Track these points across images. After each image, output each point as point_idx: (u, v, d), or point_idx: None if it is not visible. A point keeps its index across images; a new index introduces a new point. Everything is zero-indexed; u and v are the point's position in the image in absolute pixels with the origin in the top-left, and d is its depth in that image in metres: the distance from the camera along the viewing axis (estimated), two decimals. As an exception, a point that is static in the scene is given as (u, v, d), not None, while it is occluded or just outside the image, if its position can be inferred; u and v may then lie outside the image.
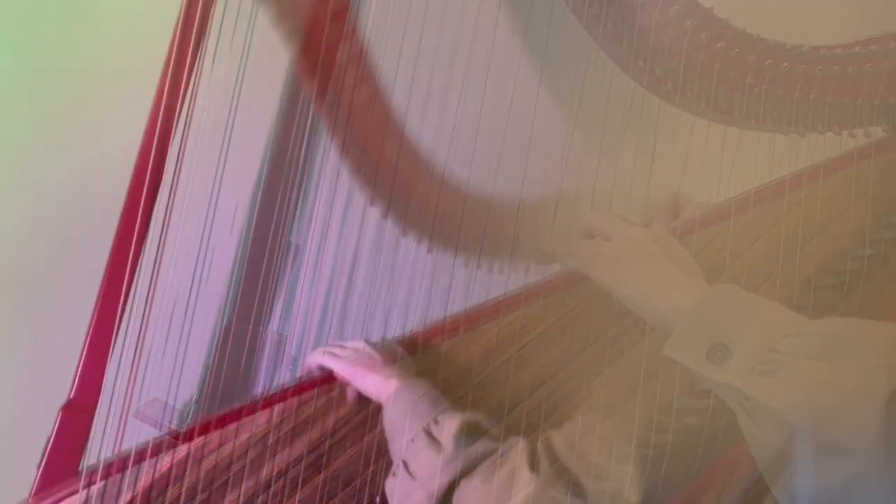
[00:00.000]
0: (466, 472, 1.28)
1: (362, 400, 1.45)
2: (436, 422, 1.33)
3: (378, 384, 1.41)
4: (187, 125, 1.40)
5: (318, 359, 1.47)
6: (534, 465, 1.25)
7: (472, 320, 1.50)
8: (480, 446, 1.30)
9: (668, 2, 1.25)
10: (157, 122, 1.40)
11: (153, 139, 1.40)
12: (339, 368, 1.45)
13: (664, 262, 1.20)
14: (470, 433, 1.32)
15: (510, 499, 1.24)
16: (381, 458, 1.42)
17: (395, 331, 1.53)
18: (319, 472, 1.45)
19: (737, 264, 1.30)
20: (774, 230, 1.29)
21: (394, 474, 1.33)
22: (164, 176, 1.41)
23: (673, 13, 1.25)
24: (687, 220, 1.35)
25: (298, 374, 1.47)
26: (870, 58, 1.23)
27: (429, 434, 1.32)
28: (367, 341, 1.48)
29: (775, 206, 1.30)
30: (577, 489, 1.23)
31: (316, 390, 1.47)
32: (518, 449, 1.29)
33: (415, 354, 1.48)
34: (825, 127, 1.27)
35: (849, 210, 1.28)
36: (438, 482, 1.27)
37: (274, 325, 1.61)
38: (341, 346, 1.48)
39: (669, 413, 1.29)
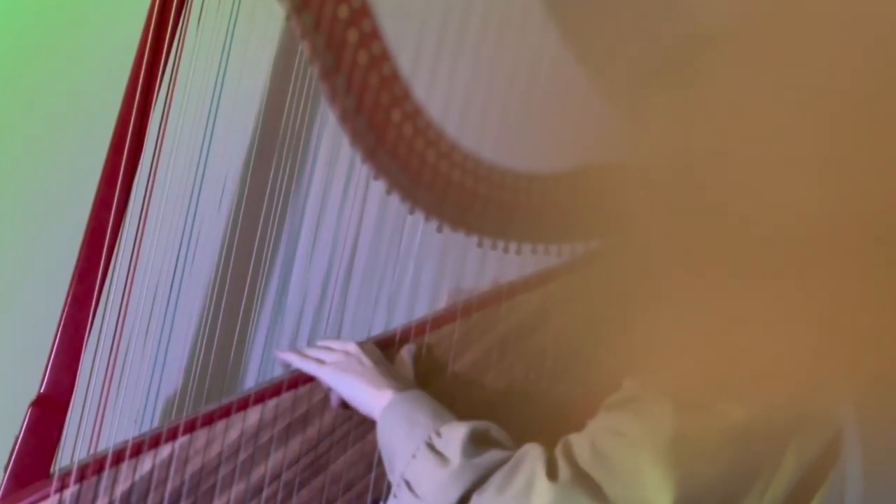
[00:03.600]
0: (478, 484, 1.24)
1: (348, 407, 1.43)
2: (438, 434, 1.29)
3: (369, 396, 1.37)
4: (170, 89, 1.38)
5: (296, 361, 1.44)
6: (552, 473, 1.21)
7: (485, 303, 1.48)
8: (491, 456, 1.26)
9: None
10: (136, 85, 1.39)
11: (132, 105, 1.39)
12: (325, 376, 1.41)
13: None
14: (478, 442, 1.28)
15: None
16: (386, 460, 1.38)
17: (400, 318, 1.52)
18: (317, 475, 1.42)
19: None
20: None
21: (395, 496, 1.29)
22: (144, 146, 1.39)
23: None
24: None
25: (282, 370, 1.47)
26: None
27: (431, 448, 1.28)
28: (359, 343, 1.44)
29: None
30: (600, 497, 1.20)
31: (313, 384, 1.44)
32: (533, 456, 1.24)
33: (413, 353, 1.47)
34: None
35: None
36: (445, 498, 1.24)
37: (267, 312, 1.59)
38: (328, 349, 1.44)
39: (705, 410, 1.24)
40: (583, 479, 1.20)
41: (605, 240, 1.46)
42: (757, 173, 1.24)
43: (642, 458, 1.20)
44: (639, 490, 1.19)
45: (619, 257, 1.39)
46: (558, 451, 1.24)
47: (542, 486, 1.20)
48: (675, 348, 1.25)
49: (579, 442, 1.24)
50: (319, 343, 1.46)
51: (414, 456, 1.28)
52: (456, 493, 1.23)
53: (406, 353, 1.45)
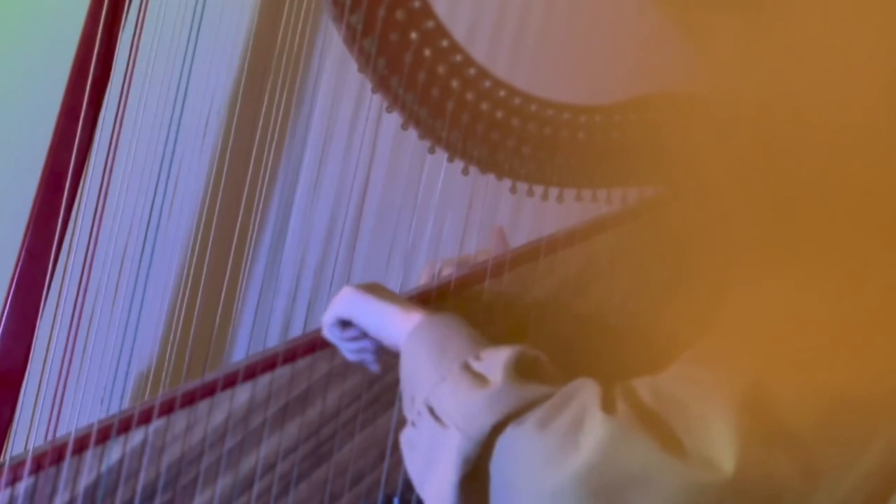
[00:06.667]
0: (517, 413, 1.15)
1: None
2: (477, 357, 1.21)
3: (394, 319, 1.29)
4: (143, 2, 1.34)
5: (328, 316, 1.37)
6: (608, 407, 1.13)
7: (519, 260, 1.43)
8: (538, 388, 1.17)
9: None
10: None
11: (98, 22, 1.34)
12: (341, 303, 1.34)
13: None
14: (525, 369, 1.19)
15: (575, 451, 1.11)
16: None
17: (417, 278, 1.49)
18: (319, 466, 1.39)
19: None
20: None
21: (413, 424, 1.22)
22: (111, 72, 1.36)
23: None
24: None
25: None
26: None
27: (468, 370, 1.20)
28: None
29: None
30: (669, 440, 1.11)
31: (314, 356, 1.41)
32: (587, 390, 1.16)
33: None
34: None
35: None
36: (479, 422, 1.14)
37: (259, 271, 1.59)
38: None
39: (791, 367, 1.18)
40: (648, 417, 1.13)
41: (664, 185, 1.42)
42: (844, 119, 1.22)
43: (713, 409, 1.12)
44: (706, 443, 1.11)
45: (680, 206, 1.38)
46: (617, 391, 1.17)
47: (596, 420, 1.11)
48: (747, 316, 1.21)
49: (642, 384, 1.17)
50: None
51: (444, 378, 1.20)
52: (490, 418, 1.14)
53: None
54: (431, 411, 1.20)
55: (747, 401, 1.13)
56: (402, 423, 1.33)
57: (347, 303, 1.34)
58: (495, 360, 1.20)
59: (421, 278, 1.48)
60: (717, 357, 1.19)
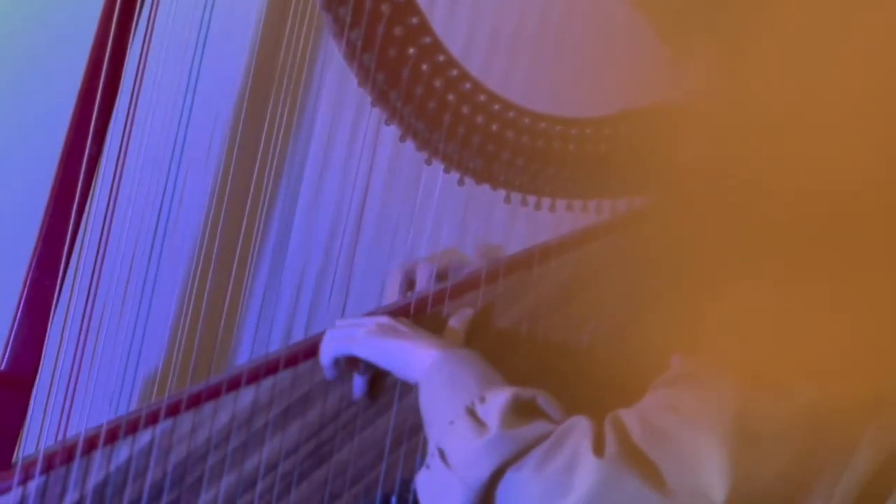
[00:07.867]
0: (515, 458, 1.19)
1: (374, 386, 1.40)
2: (482, 400, 1.24)
3: (411, 356, 1.32)
4: (151, 19, 1.34)
5: (333, 348, 1.38)
6: (599, 449, 1.17)
7: (514, 267, 1.42)
8: (534, 428, 1.21)
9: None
10: (112, 13, 1.35)
11: (106, 38, 1.34)
12: (358, 348, 1.36)
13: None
14: (521, 412, 1.22)
15: (569, 492, 1.16)
16: (398, 448, 1.37)
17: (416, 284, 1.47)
18: (320, 465, 1.39)
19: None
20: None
21: (427, 467, 1.24)
22: (119, 86, 1.35)
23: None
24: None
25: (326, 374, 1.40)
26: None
27: (472, 415, 1.23)
28: (392, 317, 1.40)
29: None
30: (654, 478, 1.15)
31: (315, 360, 1.39)
32: (580, 430, 1.19)
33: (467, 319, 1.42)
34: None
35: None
36: (477, 471, 1.18)
37: (262, 277, 1.57)
38: (357, 325, 1.39)
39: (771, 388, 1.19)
40: (635, 456, 1.16)
41: (652, 196, 1.41)
42: (821, 133, 1.23)
43: (701, 439, 1.16)
44: (695, 474, 1.15)
45: (667, 216, 1.35)
46: (607, 425, 1.20)
47: (588, 465, 1.15)
48: (733, 322, 1.22)
49: (630, 416, 1.20)
50: (340, 323, 1.41)
51: (452, 422, 1.23)
52: (489, 467, 1.18)
53: (456, 321, 1.40)
54: (442, 455, 1.23)
55: (734, 431, 1.16)
56: (400, 423, 1.37)
57: (364, 347, 1.36)
58: (494, 405, 1.23)
59: (389, 286, 1.45)
60: (701, 380, 1.21)
